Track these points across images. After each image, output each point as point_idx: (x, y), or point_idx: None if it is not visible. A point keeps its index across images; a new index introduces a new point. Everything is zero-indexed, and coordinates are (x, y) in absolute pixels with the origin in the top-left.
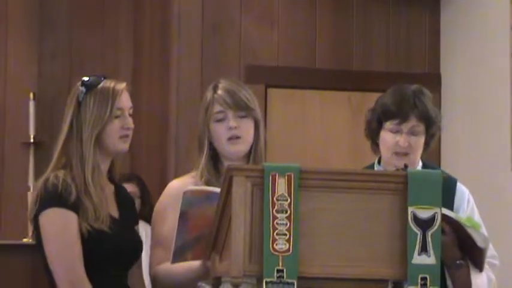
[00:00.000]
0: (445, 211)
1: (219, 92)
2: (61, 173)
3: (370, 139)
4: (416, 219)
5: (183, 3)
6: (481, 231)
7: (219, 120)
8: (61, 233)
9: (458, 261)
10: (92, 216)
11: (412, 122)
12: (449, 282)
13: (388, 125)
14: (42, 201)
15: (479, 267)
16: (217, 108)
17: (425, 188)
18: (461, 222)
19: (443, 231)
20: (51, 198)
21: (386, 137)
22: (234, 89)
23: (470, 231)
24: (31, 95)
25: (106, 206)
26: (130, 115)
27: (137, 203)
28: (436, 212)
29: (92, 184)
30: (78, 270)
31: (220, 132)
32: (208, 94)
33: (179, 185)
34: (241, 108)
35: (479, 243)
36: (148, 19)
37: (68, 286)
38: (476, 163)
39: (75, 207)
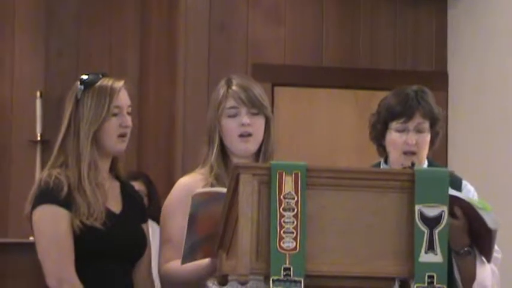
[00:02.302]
0: (457, 193)
1: (234, 87)
2: (55, 171)
3: (375, 142)
4: (423, 217)
5: (190, 1)
6: (491, 213)
7: (232, 116)
8: (51, 229)
9: (466, 248)
10: (85, 213)
11: (418, 120)
12: (456, 272)
13: (394, 124)
14: (35, 198)
15: (487, 256)
16: (230, 103)
17: (433, 186)
18: (473, 204)
19: (454, 216)
20: (43, 195)
21: (394, 137)
22: (248, 86)
23: (482, 212)
24: (38, 93)
25: (103, 203)
26: (129, 113)
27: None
28: (443, 210)
29: (87, 181)
30: (67, 267)
31: (231, 128)
32: (222, 89)
33: (188, 182)
34: (254, 105)
35: (490, 224)
36: (155, 17)
37: (56, 283)
38: (483, 161)
39: (67, 203)
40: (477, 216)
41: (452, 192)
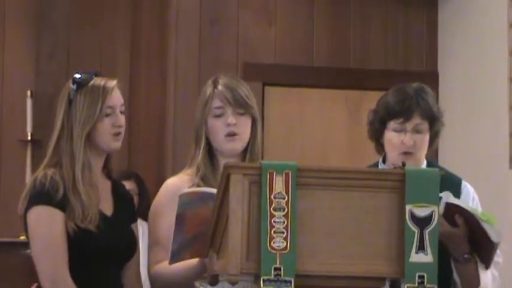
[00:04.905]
0: (460, 202)
1: (219, 87)
2: (50, 171)
3: (374, 140)
4: (413, 217)
5: (181, 0)
6: (495, 226)
7: (218, 116)
8: (46, 231)
9: (466, 255)
10: (79, 215)
11: (416, 120)
12: (456, 277)
13: (392, 124)
14: (30, 198)
15: (486, 264)
16: (216, 103)
17: (423, 186)
18: (476, 215)
19: (455, 224)
20: (38, 196)
21: (391, 137)
22: (234, 86)
23: (485, 225)
24: (29, 93)
25: (97, 204)
26: (122, 112)
27: (135, 200)
28: (433, 210)
29: (82, 182)
30: (61, 268)
31: (217, 127)
32: (208, 89)
33: (175, 183)
34: (240, 105)
35: (493, 237)
36: (146, 16)
37: (50, 284)
38: (474, 161)
39: (62, 205)
40: (479, 227)
41: (455, 201)
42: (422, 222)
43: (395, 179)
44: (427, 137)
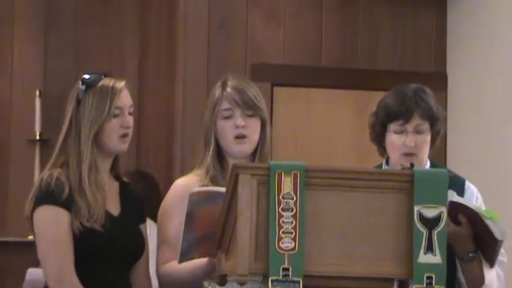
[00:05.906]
0: (464, 201)
1: (228, 89)
2: (56, 171)
3: (376, 143)
4: (422, 218)
5: (190, 0)
6: (499, 224)
7: (226, 118)
8: (51, 231)
9: (470, 254)
10: (85, 214)
11: (416, 121)
12: (461, 276)
13: (393, 126)
14: (36, 199)
15: (491, 262)
16: (225, 105)
17: (432, 187)
18: (480, 213)
19: (459, 223)
20: (43, 196)
21: (393, 139)
22: (243, 87)
23: (489, 222)
24: (37, 92)
25: (103, 204)
26: (130, 114)
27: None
28: (442, 211)
29: (88, 182)
30: (67, 268)
31: (227, 129)
32: (217, 91)
33: (184, 184)
34: (249, 107)
35: (497, 235)
36: (154, 16)
37: (55, 284)
38: (482, 162)
39: (67, 205)
40: (483, 225)
41: (459, 199)
42: (431, 223)
43: (403, 179)
44: (428, 137)
